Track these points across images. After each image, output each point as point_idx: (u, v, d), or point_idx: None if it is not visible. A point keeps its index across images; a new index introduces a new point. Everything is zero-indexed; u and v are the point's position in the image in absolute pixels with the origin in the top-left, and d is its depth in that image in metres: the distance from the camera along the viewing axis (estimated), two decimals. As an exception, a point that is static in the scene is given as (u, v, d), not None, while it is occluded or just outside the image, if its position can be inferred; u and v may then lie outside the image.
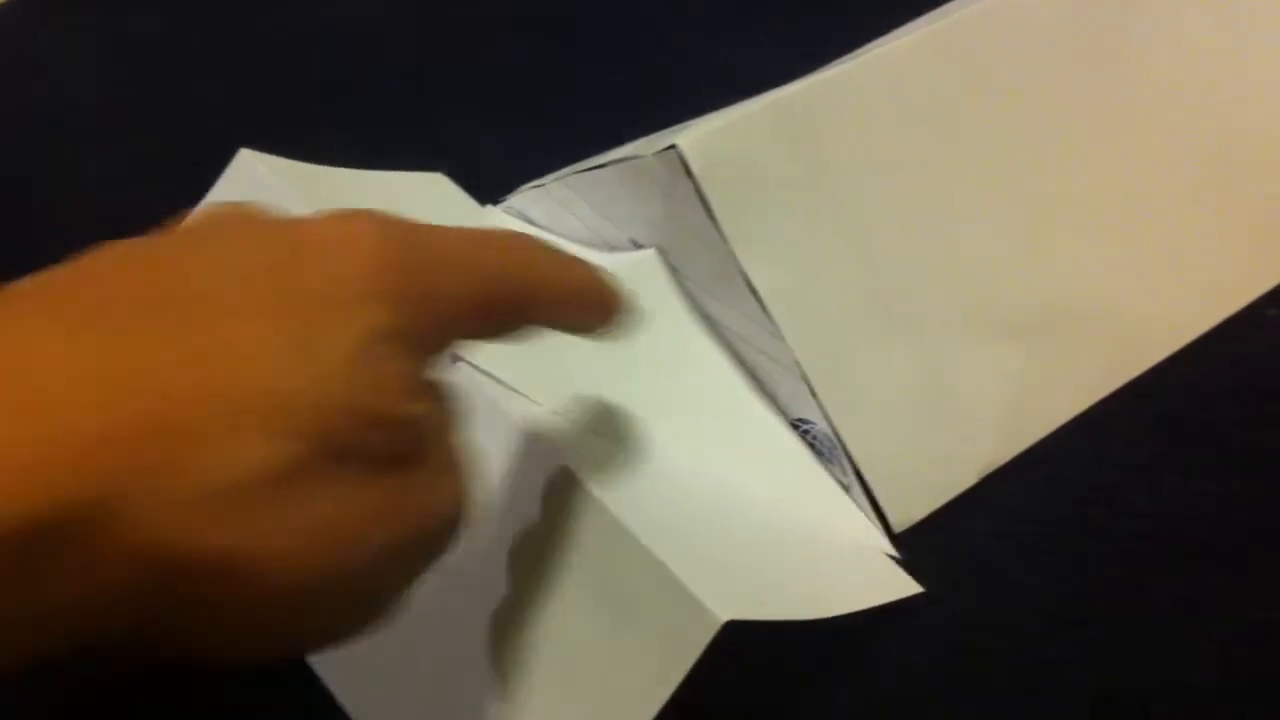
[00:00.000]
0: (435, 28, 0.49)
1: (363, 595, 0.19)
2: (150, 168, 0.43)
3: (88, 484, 0.14)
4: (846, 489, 0.30)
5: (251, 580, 0.16)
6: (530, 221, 0.37)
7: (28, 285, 0.17)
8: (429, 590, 0.28)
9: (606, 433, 0.30)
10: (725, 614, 0.23)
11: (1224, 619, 0.29)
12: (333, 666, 0.29)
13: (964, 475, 0.31)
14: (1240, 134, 0.35)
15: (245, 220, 0.19)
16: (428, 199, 0.38)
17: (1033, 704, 0.27)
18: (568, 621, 0.26)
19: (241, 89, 0.46)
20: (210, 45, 0.48)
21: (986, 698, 0.28)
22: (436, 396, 0.19)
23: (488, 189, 0.39)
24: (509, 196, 0.38)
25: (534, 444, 0.27)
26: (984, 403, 0.31)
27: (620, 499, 0.26)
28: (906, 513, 0.30)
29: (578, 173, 0.33)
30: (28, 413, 0.14)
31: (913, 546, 0.30)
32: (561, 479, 0.27)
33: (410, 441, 0.18)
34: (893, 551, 0.30)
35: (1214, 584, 0.29)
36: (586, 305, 0.23)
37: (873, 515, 0.30)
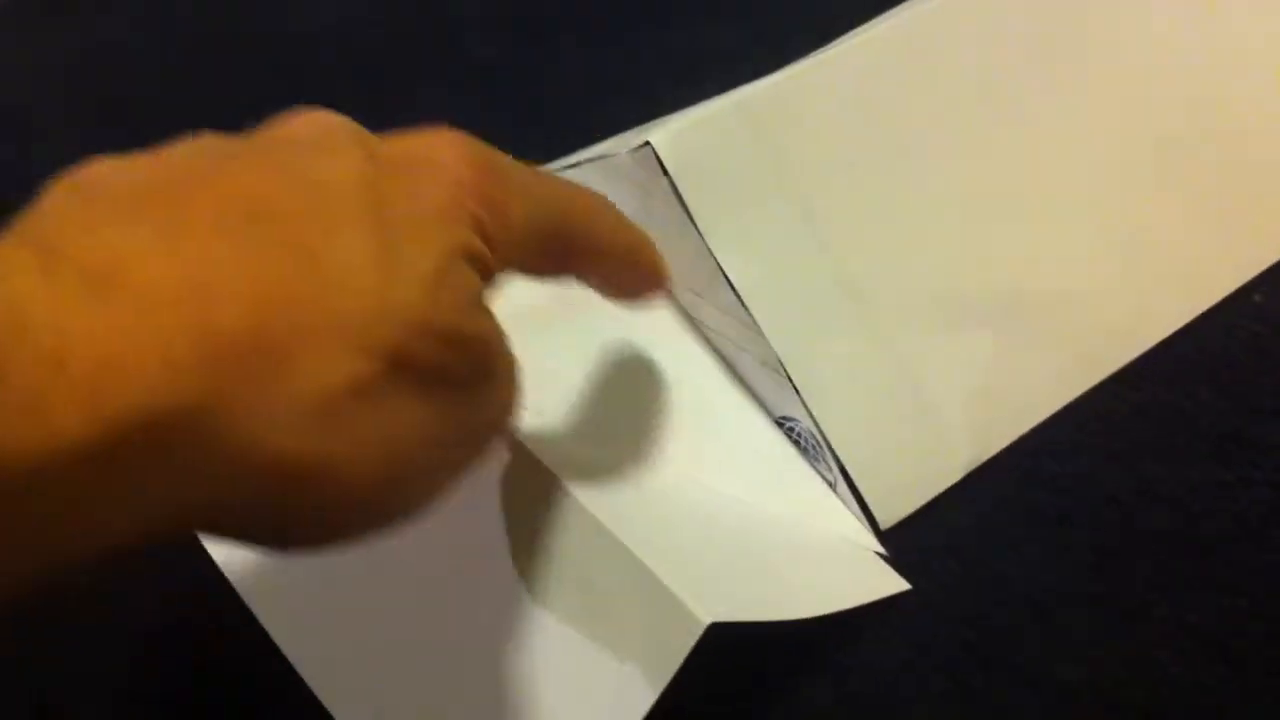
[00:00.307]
0: (407, 25, 0.49)
1: (420, 496, 0.20)
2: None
3: (191, 390, 0.15)
4: (832, 486, 0.30)
5: (327, 485, 0.17)
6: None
7: (112, 182, 0.17)
8: (414, 595, 0.28)
9: (589, 434, 0.29)
10: (709, 616, 0.23)
11: (1206, 608, 0.28)
12: (318, 670, 0.28)
13: (949, 471, 0.31)
14: (1213, 121, 0.35)
15: (335, 132, 0.19)
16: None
17: (1015, 696, 0.27)
18: (550, 626, 0.26)
19: (211, 91, 0.46)
20: (180, 48, 0.48)
21: (966, 691, 0.27)
22: (493, 314, 0.20)
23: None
24: (487, 196, 0.37)
25: (515, 446, 0.27)
26: (956, 395, 0.31)
27: (602, 501, 0.26)
28: (893, 509, 0.30)
29: (553, 171, 0.33)
30: (134, 318, 0.15)
31: (893, 540, 0.30)
32: (543, 481, 0.26)
33: (477, 358, 0.19)
34: (880, 549, 0.30)
35: (1196, 573, 0.29)
36: (638, 268, 0.24)
37: (859, 512, 0.30)
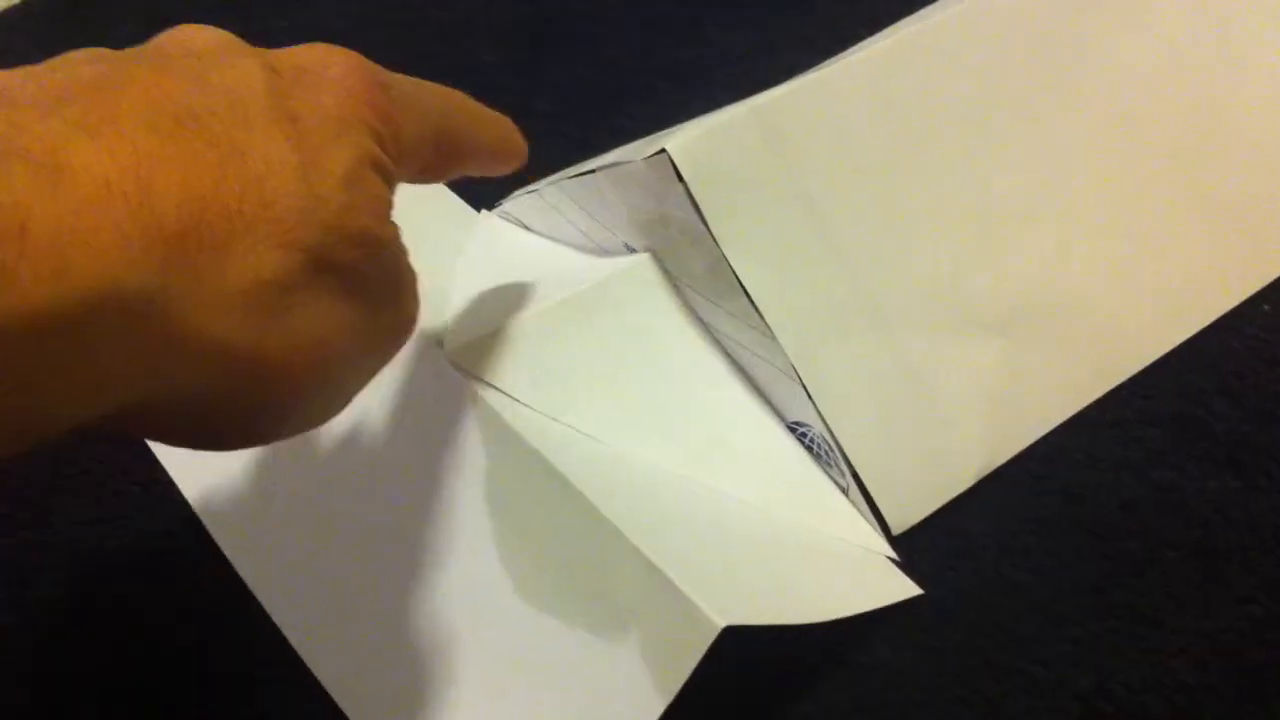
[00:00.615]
0: (411, 29, 0.49)
1: (342, 395, 0.21)
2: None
3: (140, 275, 0.15)
4: (844, 492, 0.30)
5: (263, 377, 0.18)
6: (525, 226, 0.37)
7: (24, 89, 0.17)
8: (425, 592, 0.28)
9: (603, 438, 0.29)
10: (723, 620, 0.23)
11: (1217, 615, 0.28)
12: (329, 666, 0.29)
13: (960, 477, 0.31)
14: (1221, 133, 0.35)
15: (228, 44, 0.20)
16: (421, 204, 0.38)
17: (1025, 704, 0.27)
18: (561, 628, 0.26)
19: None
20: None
21: (978, 698, 0.28)
22: (397, 226, 0.21)
23: (479, 195, 0.39)
24: (503, 201, 0.37)
25: (529, 450, 0.27)
26: (966, 401, 0.31)
27: (615, 504, 0.26)
28: (904, 515, 0.30)
29: (569, 178, 0.33)
30: (87, 202, 0.15)
31: (907, 546, 0.30)
32: (557, 485, 0.27)
33: (389, 265, 0.20)
34: (892, 554, 0.30)
35: (1207, 581, 0.29)
36: (508, 155, 0.26)
37: (871, 518, 0.30)
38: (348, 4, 0.51)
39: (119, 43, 0.20)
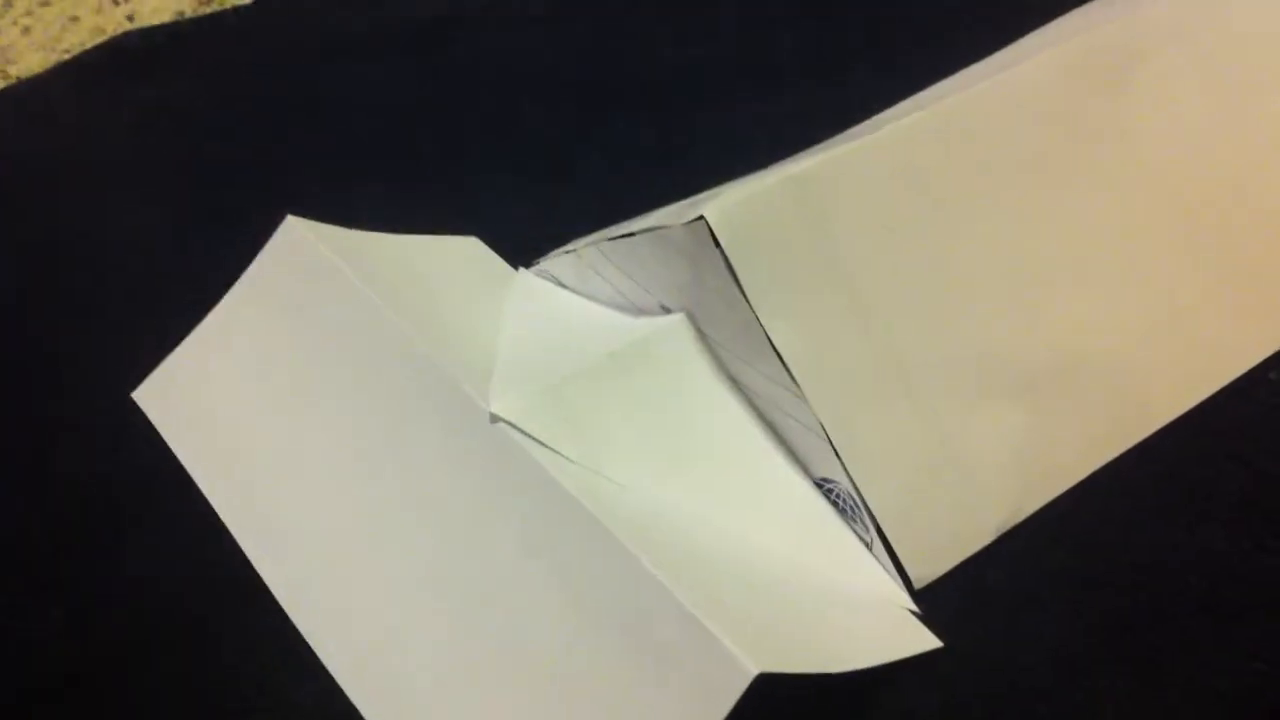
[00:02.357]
0: (461, 91, 0.51)
1: None
2: (186, 231, 0.44)
3: None
4: (869, 546, 0.31)
5: None
6: (561, 284, 0.38)
7: None
8: (465, 631, 0.29)
9: (638, 488, 0.31)
10: (757, 666, 0.24)
11: (1225, 669, 0.29)
12: (368, 699, 0.30)
13: (981, 533, 0.32)
14: (1238, 202, 0.37)
15: None
16: (463, 262, 0.40)
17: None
18: (597, 671, 0.27)
19: (274, 153, 0.48)
20: (244, 109, 0.50)
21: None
22: None
23: (517, 252, 0.40)
24: (540, 260, 0.39)
25: (567, 498, 0.29)
26: (991, 461, 0.32)
27: (652, 552, 0.27)
28: (926, 569, 0.31)
29: (607, 240, 0.34)
30: None
31: (927, 599, 0.31)
32: (596, 532, 0.28)
33: None
34: (913, 607, 0.31)
35: (1216, 635, 0.30)
36: None
37: (894, 572, 0.31)
38: (396, 58, 0.52)
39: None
